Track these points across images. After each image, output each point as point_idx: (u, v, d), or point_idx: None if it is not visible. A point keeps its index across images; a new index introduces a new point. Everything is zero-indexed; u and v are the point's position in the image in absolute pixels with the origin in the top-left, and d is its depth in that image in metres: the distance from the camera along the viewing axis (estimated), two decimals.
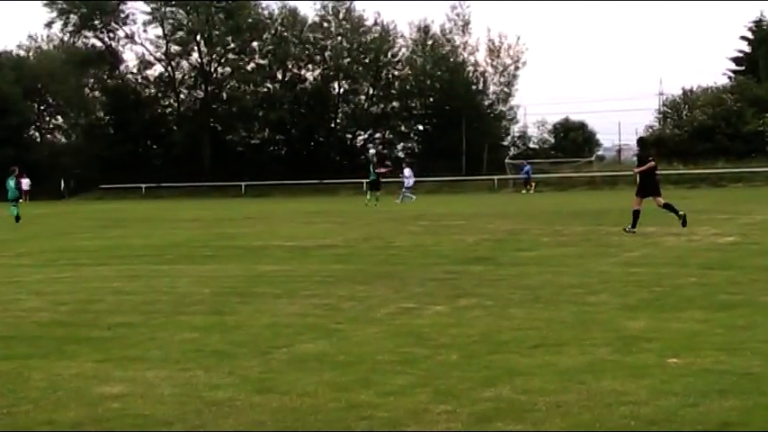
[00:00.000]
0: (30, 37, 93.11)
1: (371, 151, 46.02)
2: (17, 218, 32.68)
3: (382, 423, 5.69)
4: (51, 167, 76.27)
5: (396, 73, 77.89)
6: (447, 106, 73.65)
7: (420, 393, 6.33)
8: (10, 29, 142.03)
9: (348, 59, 76.49)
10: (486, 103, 76.58)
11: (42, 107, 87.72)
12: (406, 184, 48.65)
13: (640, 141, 23.99)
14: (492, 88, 76.52)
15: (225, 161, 74.93)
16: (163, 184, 70.94)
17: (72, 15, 77.63)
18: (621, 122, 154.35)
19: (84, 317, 10.09)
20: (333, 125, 78.72)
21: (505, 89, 76.21)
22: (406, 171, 49.76)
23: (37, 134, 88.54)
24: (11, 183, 35.08)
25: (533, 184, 59.24)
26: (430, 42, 76.66)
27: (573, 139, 78.30)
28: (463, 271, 13.59)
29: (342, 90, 79.22)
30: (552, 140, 79.76)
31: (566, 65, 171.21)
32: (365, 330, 8.85)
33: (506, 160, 70.08)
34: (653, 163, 21.15)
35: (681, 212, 20.35)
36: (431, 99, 76.30)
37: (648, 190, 20.72)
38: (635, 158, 23.55)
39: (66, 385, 6.79)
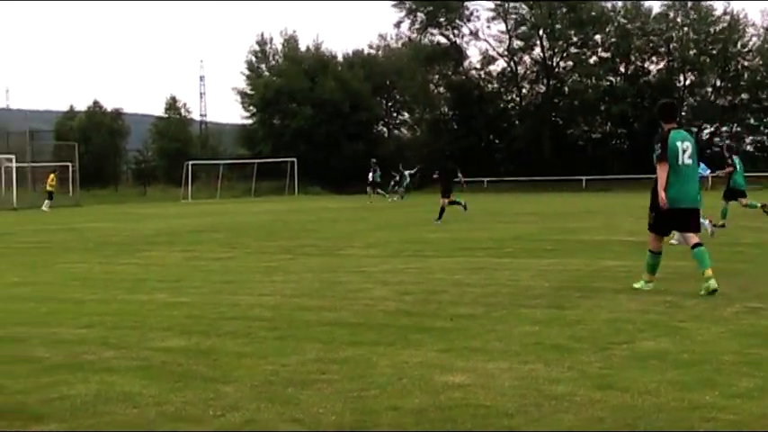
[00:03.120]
0: (379, 36, 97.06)
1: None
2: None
3: (727, 425, 5.48)
4: (398, 161, 79.03)
5: (745, 63, 74.67)
6: None
7: None
8: (361, 30, 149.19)
9: (694, 51, 74.18)
10: None
11: (390, 103, 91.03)
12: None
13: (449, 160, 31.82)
14: None
15: (566, 155, 74.69)
16: (504, 178, 71.63)
17: (419, 14, 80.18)
18: None
19: (428, 307, 10.36)
20: (677, 118, 76.47)
21: None
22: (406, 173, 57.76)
23: (384, 129, 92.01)
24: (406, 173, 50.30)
25: None
26: None
27: None
28: None
29: (687, 82, 76.89)
30: None
31: None
32: (709, 329, 8.56)
33: None
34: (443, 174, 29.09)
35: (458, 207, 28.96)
36: None
37: (445, 191, 28.29)
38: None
39: (410, 373, 6.99)
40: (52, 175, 51.67)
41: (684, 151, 11.16)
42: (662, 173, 11.08)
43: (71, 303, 11.36)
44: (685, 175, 11.16)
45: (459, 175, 30.12)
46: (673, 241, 15.79)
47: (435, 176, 30.62)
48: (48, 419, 5.96)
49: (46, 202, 49.36)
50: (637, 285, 11.45)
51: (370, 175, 55.77)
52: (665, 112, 11.62)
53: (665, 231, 11.57)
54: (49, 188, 50.65)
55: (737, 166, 23.98)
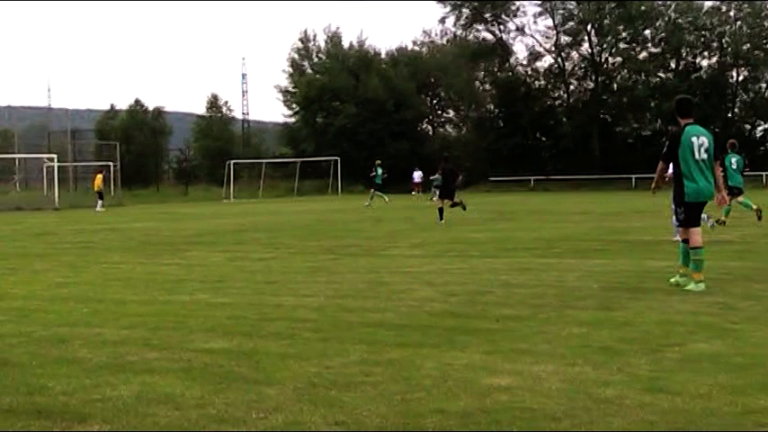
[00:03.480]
0: (424, 32, 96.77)
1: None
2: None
3: None
4: (442, 160, 78.73)
5: None
6: None
7: None
8: (406, 27, 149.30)
9: (747, 45, 73.28)
10: None
11: (434, 101, 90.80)
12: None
13: (444, 158, 31.66)
14: None
15: (614, 153, 74.02)
16: (551, 177, 71.19)
17: (464, 10, 79.78)
18: None
19: (474, 308, 10.26)
20: (729, 115, 75.63)
21: None
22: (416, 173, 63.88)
23: (429, 127, 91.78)
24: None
25: None
26: None
27: None
28: None
29: (740, 78, 76.00)
30: None
31: None
32: (763, 331, 8.40)
33: None
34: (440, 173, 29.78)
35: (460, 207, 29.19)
36: None
37: (446, 193, 29.46)
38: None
39: (455, 375, 6.91)
40: (99, 176, 51.90)
41: (701, 146, 11.54)
42: (658, 170, 12.08)
43: (113, 304, 11.37)
44: (701, 169, 11.58)
45: (460, 177, 31.13)
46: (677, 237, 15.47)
47: (434, 177, 31.95)
48: (90, 420, 5.96)
49: (99, 202, 49.62)
50: (688, 287, 11.34)
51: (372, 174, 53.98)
52: (680, 109, 11.99)
53: (696, 223, 11.78)
54: (97, 189, 50.93)
55: (735, 166, 23.28)
